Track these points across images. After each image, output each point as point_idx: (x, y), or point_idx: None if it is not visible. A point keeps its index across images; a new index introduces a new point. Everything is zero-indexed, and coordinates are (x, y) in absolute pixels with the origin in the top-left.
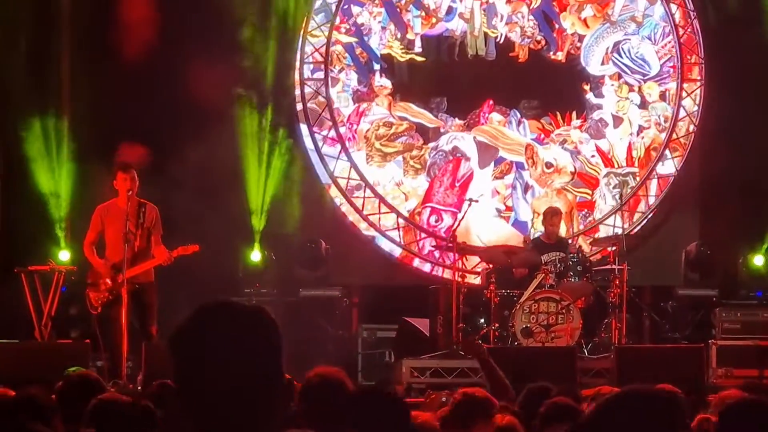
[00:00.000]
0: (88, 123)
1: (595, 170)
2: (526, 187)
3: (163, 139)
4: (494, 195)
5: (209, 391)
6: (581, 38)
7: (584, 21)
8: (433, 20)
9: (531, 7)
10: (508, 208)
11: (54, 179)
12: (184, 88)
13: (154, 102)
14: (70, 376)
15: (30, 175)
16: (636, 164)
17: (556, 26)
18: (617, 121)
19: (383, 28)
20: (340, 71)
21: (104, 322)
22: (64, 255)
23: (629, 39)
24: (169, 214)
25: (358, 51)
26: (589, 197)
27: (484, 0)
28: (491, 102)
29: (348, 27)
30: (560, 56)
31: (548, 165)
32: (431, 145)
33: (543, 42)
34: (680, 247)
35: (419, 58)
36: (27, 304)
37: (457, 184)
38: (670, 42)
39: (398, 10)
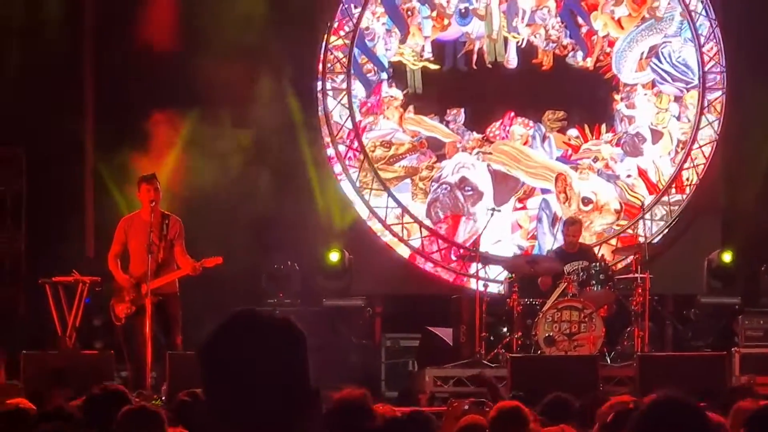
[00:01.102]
0: (112, 133)
1: (637, 198)
2: (555, 219)
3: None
4: (515, 230)
5: (237, 401)
6: (611, 43)
7: (618, 21)
8: (446, 22)
9: (557, 1)
10: (532, 237)
11: (79, 190)
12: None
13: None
14: (95, 388)
15: (55, 186)
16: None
17: (584, 28)
18: (656, 135)
19: (388, 32)
20: (343, 81)
21: (128, 333)
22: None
23: (670, 42)
24: (191, 225)
25: (362, 59)
26: (631, 232)
27: None
28: (512, 114)
29: (347, 30)
30: (589, 63)
31: (586, 201)
32: (435, 174)
33: (570, 47)
34: (702, 255)
35: (433, 66)
36: (52, 315)
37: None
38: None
39: (400, 8)
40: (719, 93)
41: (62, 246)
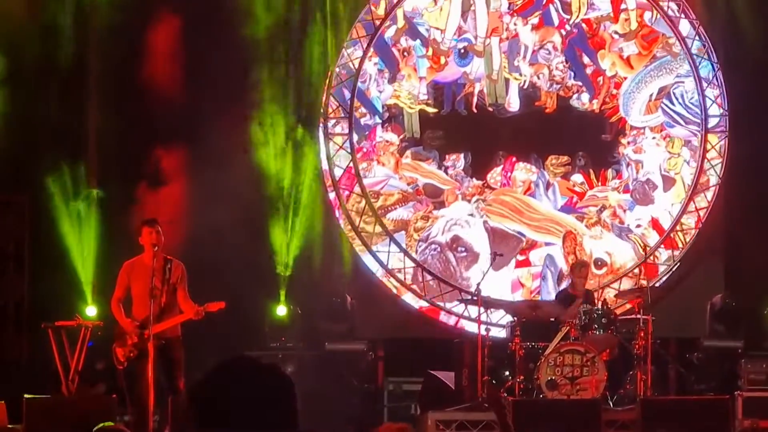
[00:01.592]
0: (114, 176)
1: (655, 256)
2: (560, 276)
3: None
4: (516, 288)
5: None
6: (617, 85)
7: (627, 60)
8: (443, 61)
9: (563, 37)
10: (536, 296)
11: (80, 235)
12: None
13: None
14: (103, 428)
15: (56, 231)
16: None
17: (590, 68)
18: (668, 182)
19: (380, 72)
20: (335, 124)
21: (131, 377)
22: (91, 310)
23: (683, 82)
24: (193, 269)
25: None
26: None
27: (504, 36)
28: (514, 159)
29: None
30: (595, 105)
31: (599, 263)
32: (423, 233)
33: (574, 88)
34: (705, 298)
35: (430, 109)
36: (54, 359)
37: None
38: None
39: (392, 48)
40: (722, 136)
41: (64, 291)
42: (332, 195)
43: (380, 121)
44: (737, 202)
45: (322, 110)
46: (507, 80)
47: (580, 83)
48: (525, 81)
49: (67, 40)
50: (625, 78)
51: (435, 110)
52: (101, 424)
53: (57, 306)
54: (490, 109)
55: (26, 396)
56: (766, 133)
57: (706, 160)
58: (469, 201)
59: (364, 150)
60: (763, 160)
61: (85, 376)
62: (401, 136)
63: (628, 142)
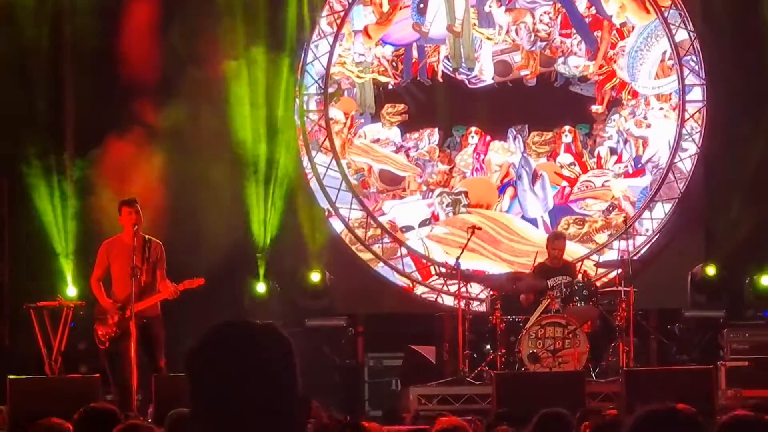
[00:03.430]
0: (92, 157)
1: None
2: (535, 175)
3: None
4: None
5: (224, 411)
6: (613, 45)
7: (643, 2)
8: (386, 8)
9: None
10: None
11: (59, 215)
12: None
13: (158, 134)
14: (87, 408)
15: (35, 211)
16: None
17: (588, 18)
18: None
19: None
20: (309, 100)
21: (113, 357)
22: (72, 291)
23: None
24: (171, 247)
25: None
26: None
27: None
28: (488, 138)
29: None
30: (591, 68)
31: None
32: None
33: (563, 48)
34: (686, 269)
35: (384, 78)
36: (37, 340)
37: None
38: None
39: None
40: (699, 105)
41: (45, 272)
42: (309, 171)
43: (316, 94)
44: (717, 171)
45: (297, 87)
46: (479, 42)
47: (570, 41)
48: (500, 39)
49: (43, 21)
50: (631, 30)
51: (390, 80)
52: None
53: (38, 287)
54: (460, 77)
55: (10, 377)
56: (744, 102)
57: (684, 129)
58: (432, 191)
59: (309, 131)
60: (742, 129)
61: (68, 356)
62: (352, 113)
63: (629, 114)
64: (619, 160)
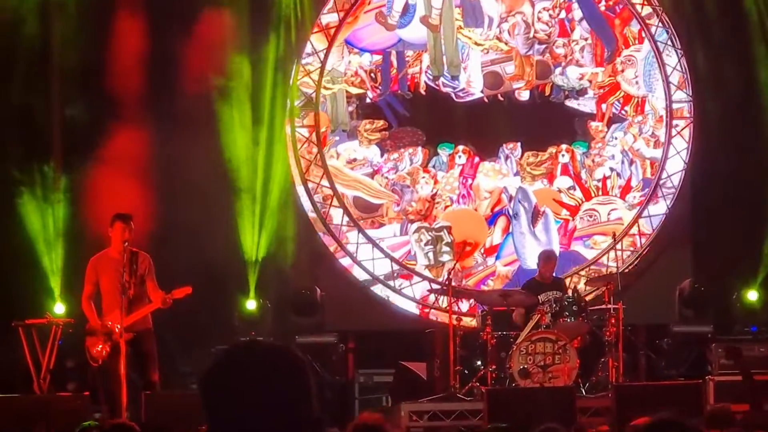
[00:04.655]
0: (82, 173)
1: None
2: (536, 212)
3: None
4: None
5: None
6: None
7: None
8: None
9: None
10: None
11: (47, 232)
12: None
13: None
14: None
15: (23, 228)
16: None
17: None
18: None
19: None
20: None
21: (103, 374)
22: (59, 308)
23: None
24: (160, 263)
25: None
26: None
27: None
28: (476, 160)
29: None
30: (600, 76)
31: None
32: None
33: (565, 53)
34: (674, 284)
35: (354, 90)
36: (25, 357)
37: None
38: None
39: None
40: (686, 122)
41: (32, 289)
42: (300, 188)
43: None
44: (703, 187)
45: (288, 102)
46: (466, 51)
47: (576, 40)
48: (490, 42)
49: (30, 26)
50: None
51: (360, 90)
52: (85, 423)
53: (25, 304)
54: (445, 90)
55: None
56: (732, 117)
57: (671, 146)
58: (410, 222)
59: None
60: (729, 145)
61: (56, 374)
62: (323, 129)
63: (639, 132)
64: (627, 186)
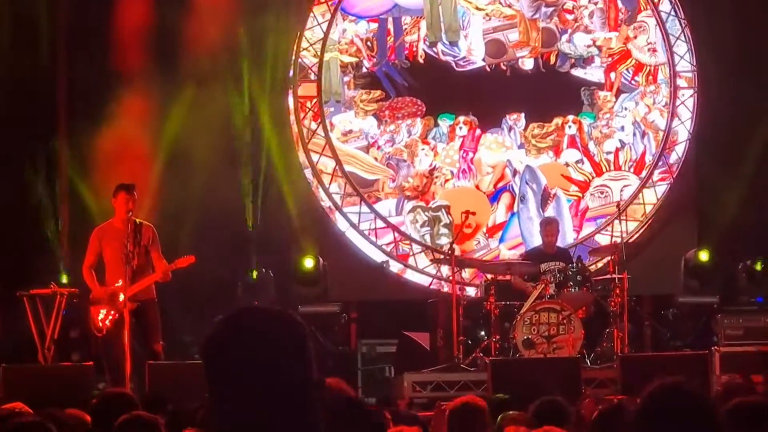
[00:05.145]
0: (86, 146)
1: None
2: (547, 195)
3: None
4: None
5: (240, 396)
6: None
7: None
8: None
9: None
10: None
11: (52, 202)
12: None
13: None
14: (105, 394)
15: (28, 198)
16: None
17: None
18: None
19: None
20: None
21: (107, 344)
22: (64, 278)
23: None
24: (166, 234)
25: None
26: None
27: None
28: (477, 132)
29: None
30: (613, 41)
31: None
32: None
33: (577, 17)
34: (679, 254)
35: (347, 58)
36: (30, 327)
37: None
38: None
39: None
40: (691, 92)
41: (38, 258)
42: (302, 157)
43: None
44: (708, 156)
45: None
46: (467, 18)
47: (585, 5)
48: (492, 5)
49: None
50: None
51: (354, 59)
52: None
53: (30, 274)
54: (445, 59)
55: (2, 365)
56: (735, 87)
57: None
58: (407, 199)
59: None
60: (733, 115)
61: (60, 344)
62: (315, 100)
63: (653, 102)
64: (642, 161)
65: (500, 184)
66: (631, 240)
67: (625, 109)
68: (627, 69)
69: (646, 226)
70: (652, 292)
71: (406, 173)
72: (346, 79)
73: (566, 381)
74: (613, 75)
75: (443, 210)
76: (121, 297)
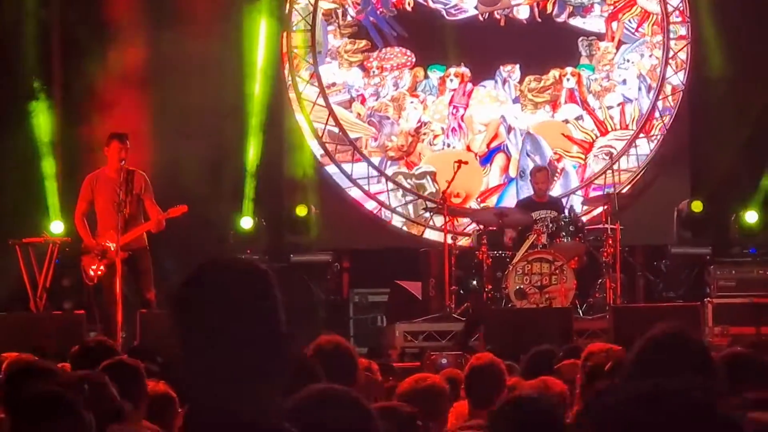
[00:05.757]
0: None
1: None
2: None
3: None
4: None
5: (208, 347)
6: None
7: None
8: None
9: None
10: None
11: (45, 151)
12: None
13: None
14: (85, 342)
15: (20, 147)
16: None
17: None
18: None
19: None
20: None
21: (98, 293)
22: (57, 226)
23: None
24: (158, 182)
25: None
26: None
27: None
28: (469, 84)
29: None
30: None
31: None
32: None
33: None
34: (672, 205)
35: (327, 4)
36: (22, 276)
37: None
38: None
39: None
40: (684, 42)
41: (29, 207)
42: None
43: (305, 30)
44: (702, 107)
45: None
46: None
47: None
48: None
49: None
50: None
51: (336, 6)
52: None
53: (22, 223)
54: (435, 6)
55: None
56: (729, 37)
57: (669, 66)
58: (389, 160)
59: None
60: (727, 65)
61: (52, 292)
62: (295, 50)
63: (666, 58)
64: (651, 119)
65: (494, 144)
66: (624, 190)
67: (628, 61)
68: (631, 18)
69: (638, 177)
70: (644, 242)
71: (390, 131)
72: (330, 28)
73: (558, 331)
74: (615, 24)
75: (428, 177)
76: (113, 246)
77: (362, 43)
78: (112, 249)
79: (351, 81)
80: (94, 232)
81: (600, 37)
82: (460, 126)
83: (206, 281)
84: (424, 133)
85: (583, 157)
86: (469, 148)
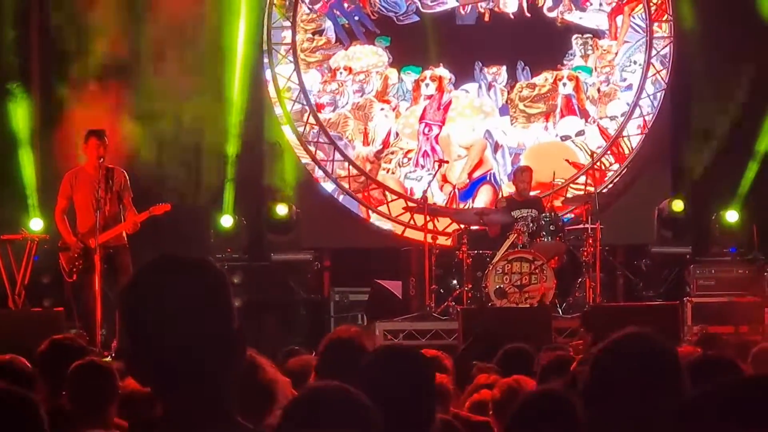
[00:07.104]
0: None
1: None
2: (496, 147)
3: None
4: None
5: (157, 346)
6: None
7: None
8: None
9: None
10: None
11: (24, 148)
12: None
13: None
14: (53, 340)
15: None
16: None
17: None
18: None
19: None
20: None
21: (78, 290)
22: (36, 223)
23: None
24: (141, 182)
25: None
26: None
27: None
28: (451, 88)
29: None
30: None
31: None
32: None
33: None
34: (653, 204)
35: None
36: (0, 273)
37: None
38: None
39: None
40: (667, 42)
41: (7, 204)
42: (278, 110)
43: (285, 18)
44: (683, 107)
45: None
46: None
47: None
48: None
49: None
50: None
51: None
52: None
53: (0, 220)
54: (388, 14)
55: None
56: (712, 35)
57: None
58: (344, 193)
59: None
60: (709, 65)
61: (31, 290)
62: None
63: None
64: (630, 118)
65: (477, 173)
66: (604, 190)
67: (635, 63)
68: (642, 12)
69: (619, 176)
70: (625, 242)
71: (342, 157)
72: (285, 24)
73: (537, 330)
74: (620, 19)
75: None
76: (92, 244)
77: (321, 41)
78: (92, 247)
79: (308, 86)
80: (73, 228)
81: (598, 34)
82: (433, 149)
83: (154, 277)
84: (388, 157)
85: (593, 189)
86: (445, 179)
